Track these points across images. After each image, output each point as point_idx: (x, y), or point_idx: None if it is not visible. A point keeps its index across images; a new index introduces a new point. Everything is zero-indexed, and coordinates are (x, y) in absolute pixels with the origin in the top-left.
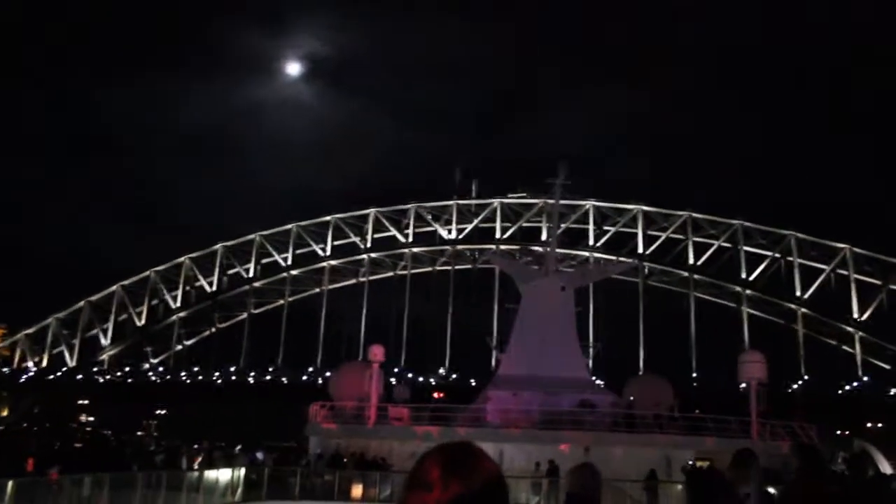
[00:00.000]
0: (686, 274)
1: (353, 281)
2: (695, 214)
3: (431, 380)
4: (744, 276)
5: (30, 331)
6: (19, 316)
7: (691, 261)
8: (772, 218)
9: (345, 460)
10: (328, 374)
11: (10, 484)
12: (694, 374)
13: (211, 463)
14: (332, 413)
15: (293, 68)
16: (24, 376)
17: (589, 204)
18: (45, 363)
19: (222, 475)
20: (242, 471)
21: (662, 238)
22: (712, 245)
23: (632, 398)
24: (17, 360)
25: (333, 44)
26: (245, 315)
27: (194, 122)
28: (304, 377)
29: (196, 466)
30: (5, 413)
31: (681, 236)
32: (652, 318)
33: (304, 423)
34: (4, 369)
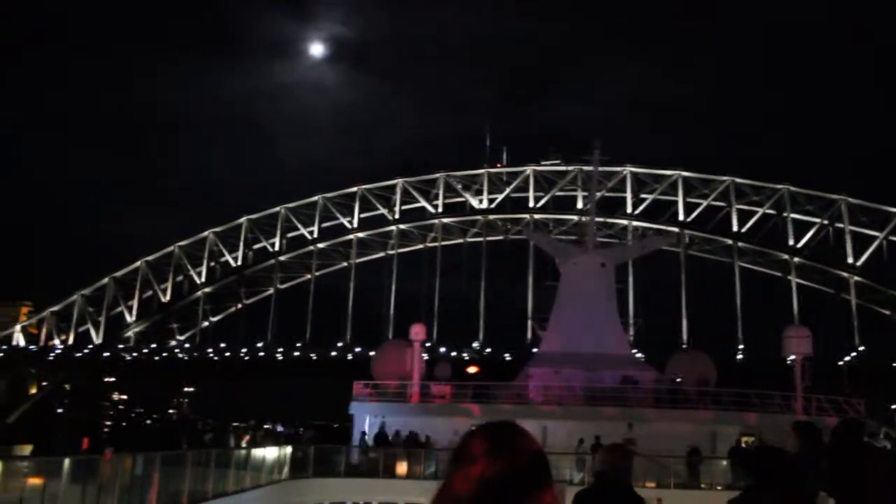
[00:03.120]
0: (730, 242)
1: (381, 254)
2: (738, 180)
3: (465, 354)
4: (791, 243)
5: (56, 308)
6: (45, 293)
7: (735, 228)
8: (820, 182)
9: (388, 438)
10: (357, 349)
11: (66, 462)
12: (740, 347)
13: (257, 441)
14: (374, 391)
15: (317, 49)
16: (52, 354)
17: (626, 170)
18: (71, 341)
19: (269, 453)
20: (289, 449)
21: (704, 205)
22: (757, 212)
23: (675, 374)
24: (43, 337)
25: (356, 25)
26: (271, 290)
27: (220, 104)
28: (333, 353)
29: (244, 445)
30: (34, 390)
31: (723, 203)
32: (694, 289)
33: (343, 401)
34: (32, 347)
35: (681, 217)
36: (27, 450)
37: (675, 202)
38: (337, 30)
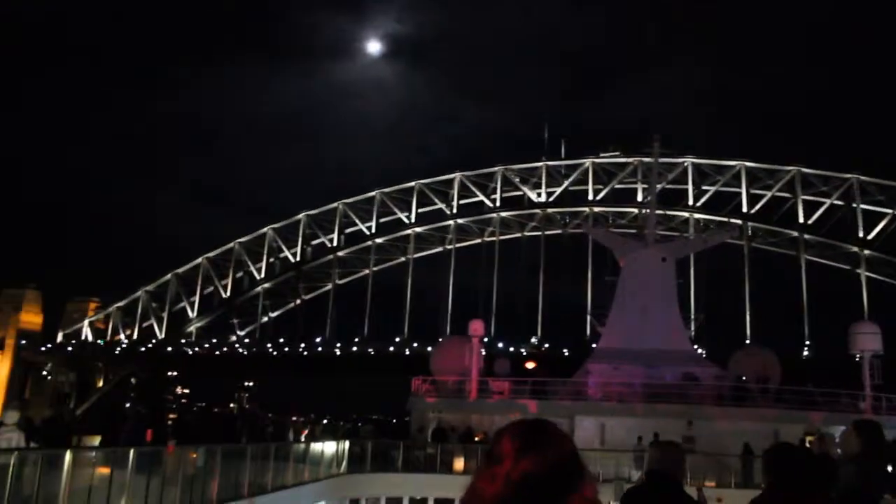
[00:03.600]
0: (796, 234)
1: (438, 249)
2: (804, 170)
3: (523, 350)
4: (861, 235)
5: (121, 304)
6: (112, 290)
7: (801, 220)
8: (891, 171)
9: (447, 434)
10: (415, 345)
11: (131, 453)
12: (806, 344)
13: (316, 435)
14: (433, 387)
15: (374, 47)
16: (118, 348)
17: (687, 161)
18: (135, 335)
19: (328, 448)
20: (347, 444)
21: (768, 196)
22: (824, 203)
23: (738, 371)
24: (110, 332)
25: (412, 22)
26: (329, 286)
27: (279, 105)
28: (391, 348)
29: (303, 439)
30: (101, 384)
31: (788, 194)
32: (758, 283)
33: (399, 396)
34: (99, 341)
35: (744, 209)
36: (96, 440)
37: (739, 194)
38: (393, 27)
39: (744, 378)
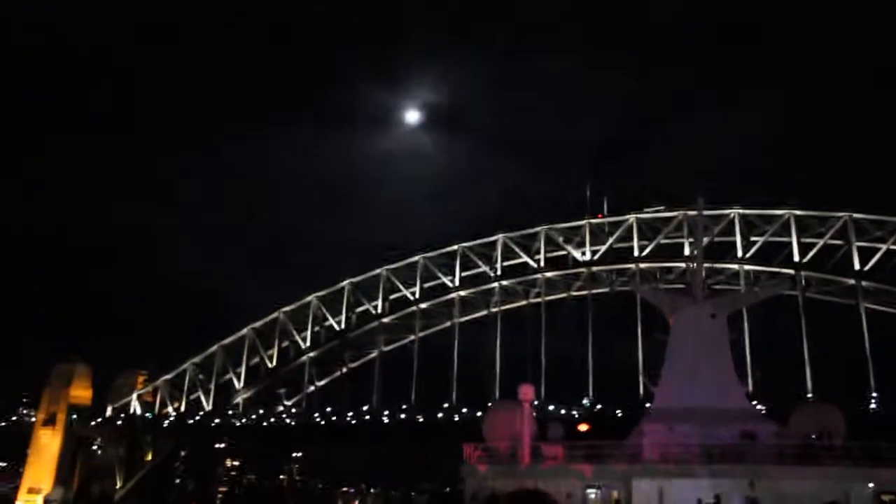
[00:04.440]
0: (852, 282)
1: (484, 312)
2: (855, 215)
3: (574, 412)
4: None
5: (168, 376)
6: (158, 361)
7: (857, 267)
8: None
9: (499, 501)
10: (464, 410)
11: None
12: (873, 396)
13: None
14: (485, 454)
15: (412, 116)
16: (165, 421)
17: (733, 212)
18: (183, 408)
19: None
20: None
21: (820, 244)
22: (880, 248)
23: (799, 428)
24: (157, 405)
25: (447, 90)
26: (375, 352)
27: (321, 172)
28: (439, 415)
29: None
30: (149, 457)
31: (841, 241)
32: (816, 334)
33: (453, 463)
34: (147, 414)
35: (796, 258)
36: None
37: (789, 243)
38: (429, 96)
39: (815, 436)
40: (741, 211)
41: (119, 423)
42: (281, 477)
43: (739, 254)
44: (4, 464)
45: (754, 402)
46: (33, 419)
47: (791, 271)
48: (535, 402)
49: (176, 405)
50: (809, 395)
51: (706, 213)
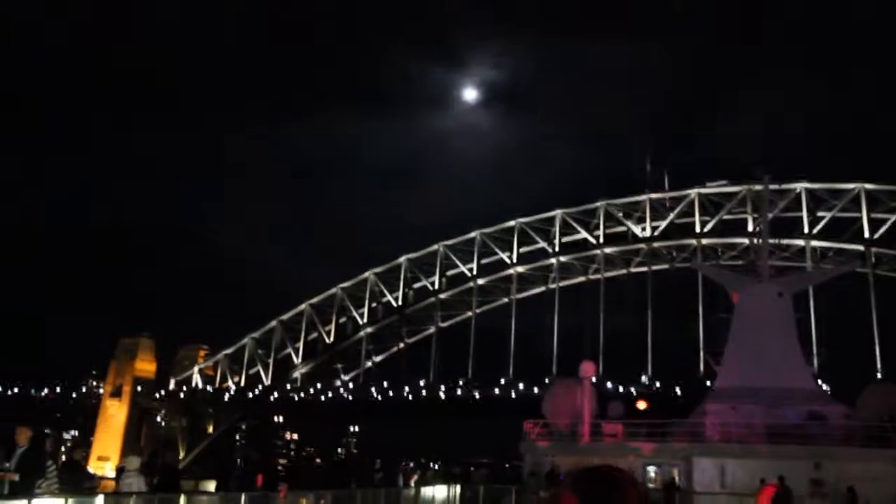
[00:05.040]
0: None
1: (542, 288)
2: None
3: (632, 389)
4: None
5: (229, 351)
6: (220, 336)
7: None
8: None
9: (560, 478)
10: (521, 386)
11: (243, 498)
12: None
13: (427, 480)
14: (545, 430)
15: (470, 95)
16: (226, 395)
17: (800, 186)
18: (243, 382)
19: (438, 492)
20: (458, 488)
21: (893, 219)
22: None
23: (867, 409)
24: (218, 379)
25: (507, 68)
26: (432, 329)
27: (381, 156)
28: (496, 391)
29: (412, 484)
30: (211, 429)
31: None
32: (886, 313)
33: (510, 439)
34: (209, 388)
35: (866, 234)
36: (211, 486)
37: (859, 218)
38: (488, 74)
39: (885, 419)
40: (808, 185)
41: (181, 395)
42: (339, 451)
43: (806, 230)
44: (76, 433)
45: (820, 383)
46: (101, 391)
47: (860, 247)
48: (594, 380)
49: (236, 379)
50: (878, 376)
51: (771, 187)
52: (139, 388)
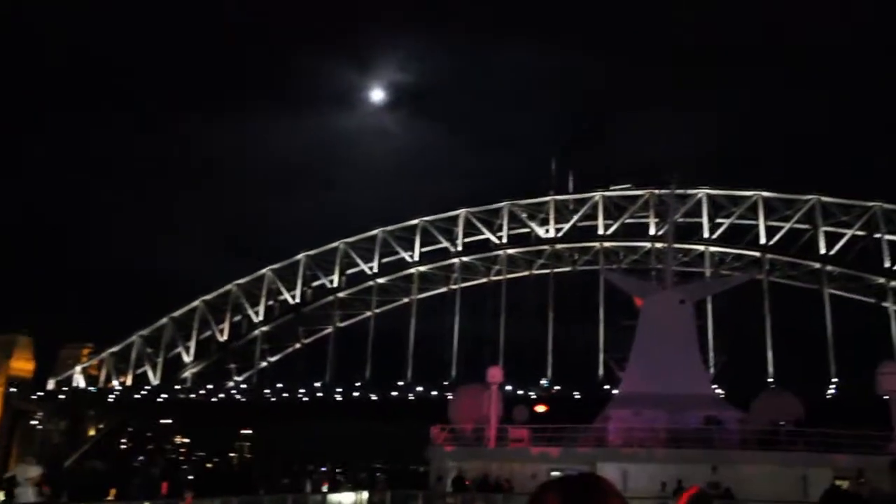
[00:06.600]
0: (817, 266)
1: (443, 288)
2: (824, 198)
3: (531, 392)
4: (887, 265)
5: (115, 349)
6: (105, 334)
7: (822, 251)
8: None
9: (466, 483)
10: (419, 388)
11: None
12: (833, 381)
13: (336, 487)
14: (452, 435)
15: (377, 95)
16: (110, 395)
17: (702, 192)
18: (129, 382)
19: (345, 498)
20: (365, 494)
21: (787, 227)
22: (846, 233)
23: (759, 414)
24: (102, 379)
25: (415, 72)
26: (330, 328)
27: (283, 153)
28: (394, 393)
29: (324, 490)
30: (92, 432)
31: (807, 225)
32: (780, 320)
33: (410, 443)
34: (91, 388)
35: (762, 241)
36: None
37: (756, 226)
38: (396, 76)
39: (783, 424)
40: (709, 191)
41: (61, 396)
42: (231, 455)
43: (706, 235)
44: None
45: (715, 387)
46: None
47: (757, 254)
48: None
49: (122, 379)
50: (770, 381)
51: (676, 192)
52: (13, 390)
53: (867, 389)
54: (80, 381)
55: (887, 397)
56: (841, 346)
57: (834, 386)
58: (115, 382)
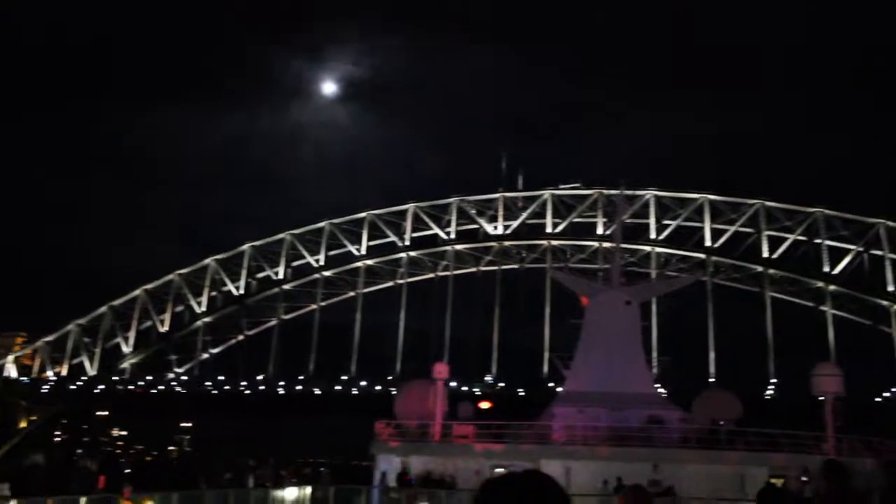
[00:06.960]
0: (759, 269)
1: (390, 283)
2: (767, 203)
3: (476, 389)
4: (826, 270)
5: (50, 338)
6: (40, 323)
7: (765, 254)
8: (857, 205)
9: (410, 478)
10: (363, 383)
11: (82, 501)
12: (772, 382)
13: (279, 482)
14: (397, 431)
15: (329, 88)
16: (45, 386)
17: (649, 194)
18: (64, 372)
19: (289, 494)
20: (308, 490)
21: (731, 231)
22: (788, 238)
23: (700, 414)
24: (36, 368)
25: (368, 67)
26: (274, 321)
27: (230, 142)
28: (337, 387)
29: (268, 485)
30: (24, 424)
31: (751, 229)
32: (723, 321)
33: (352, 438)
34: (24, 379)
35: (707, 243)
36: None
37: (701, 228)
38: (349, 70)
39: (722, 423)
40: (657, 193)
41: None
42: (170, 448)
43: (652, 235)
44: None
45: (657, 386)
46: None
47: (702, 256)
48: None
49: (57, 369)
50: (711, 381)
51: (625, 193)
52: None
53: (805, 391)
54: (11, 370)
55: (822, 398)
56: (780, 347)
57: (772, 386)
58: (49, 373)
